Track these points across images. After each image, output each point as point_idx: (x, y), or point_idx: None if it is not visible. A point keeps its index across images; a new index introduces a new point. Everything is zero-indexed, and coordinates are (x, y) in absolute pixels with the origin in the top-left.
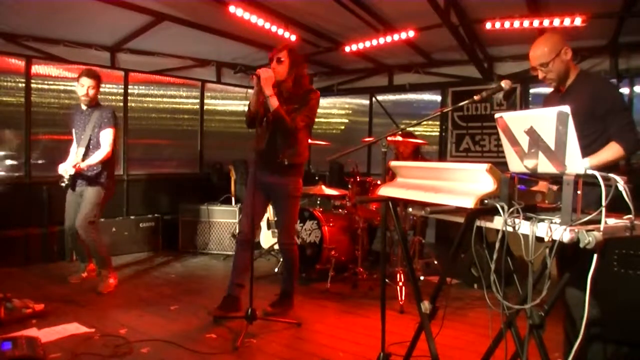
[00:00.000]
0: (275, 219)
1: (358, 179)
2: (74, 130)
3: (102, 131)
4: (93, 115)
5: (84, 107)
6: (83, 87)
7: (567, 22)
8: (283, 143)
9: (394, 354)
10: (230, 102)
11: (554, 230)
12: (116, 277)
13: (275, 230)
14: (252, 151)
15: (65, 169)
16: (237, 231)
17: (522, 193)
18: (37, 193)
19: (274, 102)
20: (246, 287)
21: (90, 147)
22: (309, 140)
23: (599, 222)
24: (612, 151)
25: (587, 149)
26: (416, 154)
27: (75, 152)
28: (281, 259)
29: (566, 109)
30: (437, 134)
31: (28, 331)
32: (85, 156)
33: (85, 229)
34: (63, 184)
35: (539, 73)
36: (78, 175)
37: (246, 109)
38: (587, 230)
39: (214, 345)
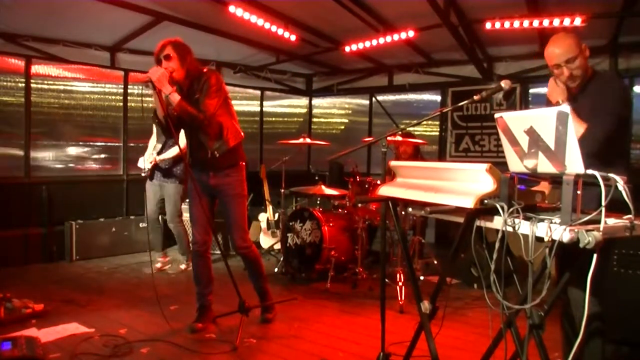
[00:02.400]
0: (265, 219)
1: (358, 179)
2: (155, 127)
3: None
4: None
5: None
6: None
7: (567, 22)
8: (206, 138)
9: (394, 354)
10: None
11: (554, 230)
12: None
13: (276, 231)
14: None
15: (144, 162)
16: (191, 242)
17: (522, 193)
18: (37, 193)
19: (174, 98)
20: (216, 294)
21: (167, 144)
22: (236, 123)
23: (598, 222)
24: None
25: None
26: (416, 154)
27: (154, 146)
28: (281, 259)
29: (566, 108)
30: (437, 134)
31: (28, 331)
32: (161, 151)
33: (175, 222)
34: (143, 174)
35: (563, 70)
36: (156, 167)
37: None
38: (587, 230)
39: (214, 345)
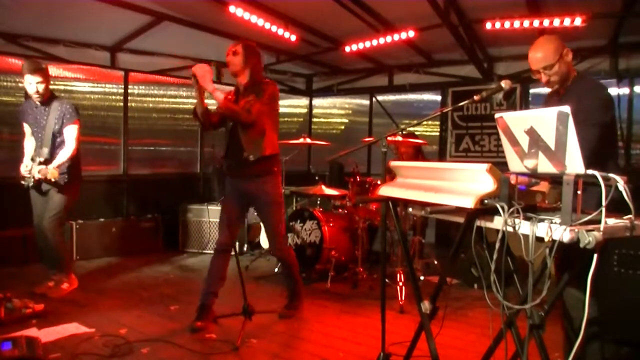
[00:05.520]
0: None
1: (358, 179)
2: (26, 126)
3: (67, 127)
4: (51, 109)
5: (37, 103)
6: (31, 85)
7: (567, 22)
8: (245, 139)
9: (394, 354)
10: None
11: (554, 230)
12: (74, 282)
13: None
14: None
15: (31, 172)
16: (216, 242)
17: (522, 193)
18: None
19: (218, 97)
20: (219, 295)
21: (56, 145)
22: (276, 135)
23: (599, 222)
24: None
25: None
26: (417, 154)
27: (39, 153)
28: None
29: (566, 109)
30: (437, 134)
31: (28, 331)
32: (51, 156)
33: (53, 230)
34: (25, 184)
35: (542, 76)
36: (45, 179)
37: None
38: (587, 230)
39: (214, 345)
